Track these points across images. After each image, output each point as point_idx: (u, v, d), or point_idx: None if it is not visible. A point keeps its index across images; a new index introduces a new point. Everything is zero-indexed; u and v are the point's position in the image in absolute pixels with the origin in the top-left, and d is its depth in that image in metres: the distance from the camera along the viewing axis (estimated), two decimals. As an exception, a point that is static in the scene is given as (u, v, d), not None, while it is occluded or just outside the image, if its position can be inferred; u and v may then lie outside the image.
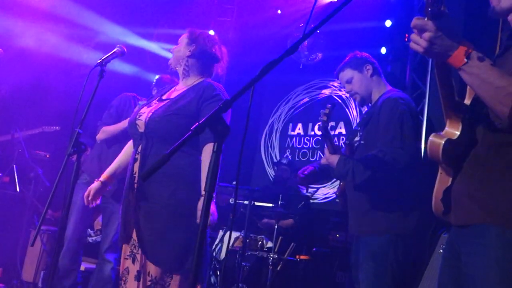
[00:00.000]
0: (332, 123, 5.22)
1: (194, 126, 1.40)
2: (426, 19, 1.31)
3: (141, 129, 2.25)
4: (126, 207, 2.26)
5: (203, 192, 1.87)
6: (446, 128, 1.50)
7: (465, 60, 1.32)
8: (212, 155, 1.41)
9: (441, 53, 1.31)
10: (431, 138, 1.50)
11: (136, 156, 2.25)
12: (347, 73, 2.67)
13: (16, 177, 4.44)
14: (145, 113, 2.29)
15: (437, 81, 1.47)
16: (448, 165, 1.53)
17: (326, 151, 2.52)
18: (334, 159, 2.44)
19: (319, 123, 2.63)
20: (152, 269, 2.15)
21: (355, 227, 2.56)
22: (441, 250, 2.57)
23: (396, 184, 2.40)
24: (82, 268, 3.99)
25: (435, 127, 4.06)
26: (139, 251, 2.19)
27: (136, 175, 2.21)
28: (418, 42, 1.32)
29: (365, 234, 2.50)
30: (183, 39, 2.44)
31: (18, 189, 4.41)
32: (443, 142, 1.47)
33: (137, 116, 2.30)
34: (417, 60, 4.43)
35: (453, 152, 1.48)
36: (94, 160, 3.62)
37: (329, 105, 2.53)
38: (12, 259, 4.28)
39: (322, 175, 2.76)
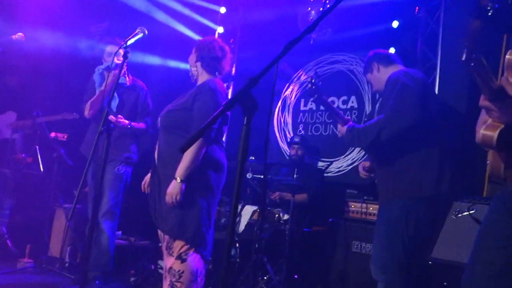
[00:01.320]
0: (344, 97, 5.29)
1: (225, 102, 1.50)
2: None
3: (159, 124, 2.72)
4: (151, 189, 2.66)
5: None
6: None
7: None
8: (243, 128, 1.51)
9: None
10: (482, 131, 1.69)
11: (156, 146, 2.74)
12: (367, 78, 3.05)
13: (39, 157, 4.59)
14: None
15: (479, 84, 1.62)
16: (501, 150, 1.70)
17: (338, 125, 2.83)
18: (344, 129, 2.75)
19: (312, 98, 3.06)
20: (166, 237, 2.58)
21: (379, 197, 2.74)
22: (453, 216, 2.68)
23: (403, 150, 2.55)
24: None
25: (446, 97, 4.12)
26: None
27: (156, 160, 2.69)
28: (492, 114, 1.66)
29: (382, 201, 2.67)
30: (193, 49, 2.86)
31: (42, 169, 4.57)
32: (496, 135, 1.66)
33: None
34: (427, 32, 4.44)
35: (505, 139, 1.66)
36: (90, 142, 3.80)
37: (311, 79, 2.77)
38: (39, 236, 4.47)
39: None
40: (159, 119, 2.71)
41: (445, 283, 2.67)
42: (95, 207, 3.46)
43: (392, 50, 4.72)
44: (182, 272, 2.47)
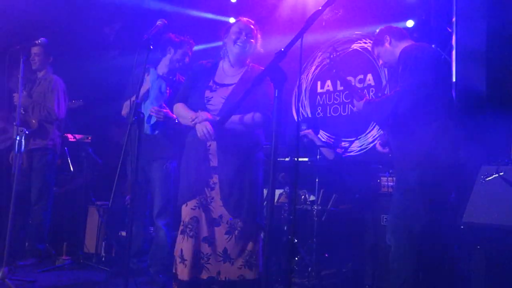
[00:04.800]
0: (360, 76, 5.30)
1: (255, 76, 1.56)
2: None
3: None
4: (198, 166, 2.74)
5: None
6: None
7: None
8: (275, 101, 1.57)
9: None
10: None
11: None
12: (375, 52, 3.04)
13: (68, 158, 4.73)
14: None
15: None
16: None
17: (354, 101, 2.95)
18: (360, 104, 2.85)
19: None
20: (225, 213, 2.73)
21: (395, 168, 2.81)
22: (482, 180, 2.70)
23: (418, 121, 2.60)
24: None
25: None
26: (213, 200, 2.74)
27: (211, 148, 2.77)
28: None
29: (398, 172, 2.74)
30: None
31: (72, 169, 4.70)
32: None
33: None
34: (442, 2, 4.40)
35: None
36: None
37: (330, 54, 2.98)
38: (74, 233, 4.62)
39: None
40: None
41: (478, 246, 2.70)
42: (136, 201, 3.53)
43: (410, 23, 4.72)
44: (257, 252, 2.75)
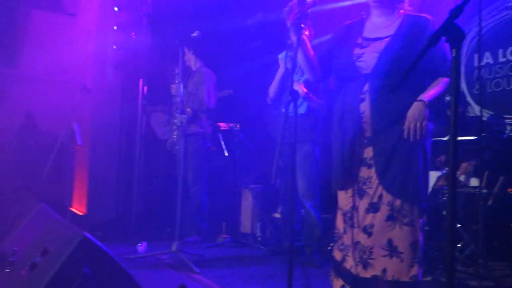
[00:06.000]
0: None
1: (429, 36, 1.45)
2: None
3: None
4: (353, 147, 2.35)
5: None
6: None
7: None
8: (452, 62, 1.45)
9: None
10: None
11: (362, 96, 2.32)
12: None
13: (223, 144, 5.05)
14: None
15: None
16: None
17: None
18: None
19: None
20: (384, 194, 2.26)
21: None
22: None
23: None
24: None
25: None
26: (370, 181, 2.30)
27: (365, 115, 2.31)
28: None
29: None
30: None
31: (226, 154, 5.02)
32: None
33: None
34: None
35: None
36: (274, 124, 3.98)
37: None
38: (231, 214, 4.94)
39: None
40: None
41: None
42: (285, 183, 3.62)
43: None
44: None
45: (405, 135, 2.25)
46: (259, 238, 4.55)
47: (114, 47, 5.71)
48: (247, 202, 4.84)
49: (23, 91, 6.22)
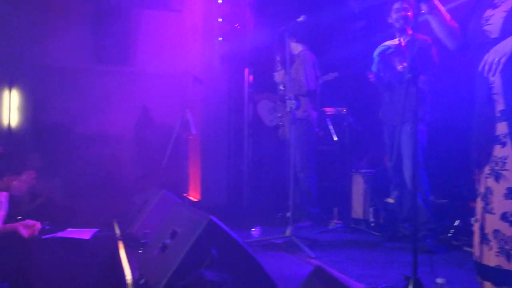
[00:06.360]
0: None
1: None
2: None
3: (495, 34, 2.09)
4: (483, 123, 2.13)
5: None
6: None
7: None
8: None
9: None
10: None
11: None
12: None
13: (331, 128, 4.98)
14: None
15: None
16: None
17: None
18: None
19: None
20: None
21: None
22: None
23: None
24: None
25: None
26: (506, 162, 2.04)
27: (495, 85, 2.08)
28: None
29: None
30: None
31: (335, 139, 4.94)
32: None
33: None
34: None
35: None
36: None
37: None
38: (342, 199, 4.87)
39: None
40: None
41: None
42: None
43: None
44: None
45: None
46: (372, 224, 4.42)
47: (220, 39, 5.89)
48: (358, 187, 4.73)
49: (139, 87, 6.70)
